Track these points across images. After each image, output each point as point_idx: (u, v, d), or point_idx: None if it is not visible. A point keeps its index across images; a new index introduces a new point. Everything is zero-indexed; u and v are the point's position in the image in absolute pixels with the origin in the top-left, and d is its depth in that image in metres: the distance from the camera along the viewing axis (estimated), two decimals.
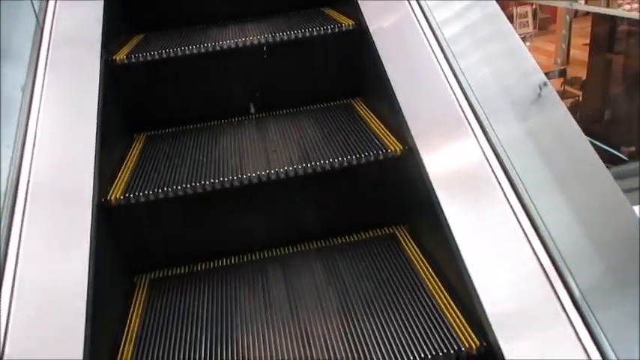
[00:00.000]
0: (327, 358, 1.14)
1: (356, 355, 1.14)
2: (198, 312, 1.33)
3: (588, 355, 0.96)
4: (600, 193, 1.14)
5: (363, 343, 1.16)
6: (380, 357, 1.12)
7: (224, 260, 1.52)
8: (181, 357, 1.19)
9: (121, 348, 1.23)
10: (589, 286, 1.01)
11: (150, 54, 1.72)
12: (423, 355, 1.11)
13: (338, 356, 1.14)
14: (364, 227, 1.57)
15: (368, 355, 1.13)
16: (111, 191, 1.41)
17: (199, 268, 1.50)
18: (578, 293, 1.01)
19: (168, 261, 1.52)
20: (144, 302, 1.39)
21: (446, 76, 1.41)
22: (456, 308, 1.22)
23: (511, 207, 1.15)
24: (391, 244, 1.50)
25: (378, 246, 1.50)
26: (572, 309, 1.00)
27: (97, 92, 1.49)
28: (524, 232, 1.12)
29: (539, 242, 1.09)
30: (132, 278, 1.48)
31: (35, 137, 1.28)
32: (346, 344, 1.17)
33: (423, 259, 1.42)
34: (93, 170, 1.34)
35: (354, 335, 1.19)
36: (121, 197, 1.39)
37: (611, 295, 1.02)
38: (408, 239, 1.51)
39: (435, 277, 1.33)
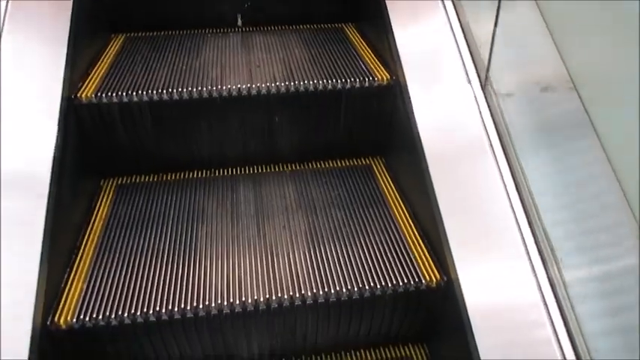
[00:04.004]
0: (290, 277, 1.15)
1: (318, 277, 1.14)
2: (164, 220, 1.31)
3: (542, 293, 0.96)
4: None
5: (327, 267, 1.17)
6: (342, 281, 1.13)
7: (195, 173, 1.49)
8: (142, 260, 1.18)
9: (82, 247, 1.22)
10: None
11: None
12: (383, 284, 1.12)
13: (301, 276, 1.14)
14: (341, 155, 1.55)
15: (330, 278, 1.14)
16: (82, 88, 1.35)
17: (169, 178, 1.47)
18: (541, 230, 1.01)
19: (137, 167, 1.48)
20: (109, 205, 1.36)
21: (447, 14, 1.34)
22: (422, 243, 1.23)
23: (496, 161, 1.12)
24: (366, 175, 1.48)
25: (353, 175, 1.48)
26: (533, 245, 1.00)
27: None
28: (504, 183, 1.09)
29: (516, 194, 1.08)
30: (98, 181, 1.44)
31: (3, 23, 1.19)
32: (309, 266, 1.17)
33: (396, 192, 1.41)
34: (64, 63, 1.27)
35: (319, 258, 1.19)
36: (92, 96, 1.33)
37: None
38: (384, 172, 1.50)
39: (406, 211, 1.33)
